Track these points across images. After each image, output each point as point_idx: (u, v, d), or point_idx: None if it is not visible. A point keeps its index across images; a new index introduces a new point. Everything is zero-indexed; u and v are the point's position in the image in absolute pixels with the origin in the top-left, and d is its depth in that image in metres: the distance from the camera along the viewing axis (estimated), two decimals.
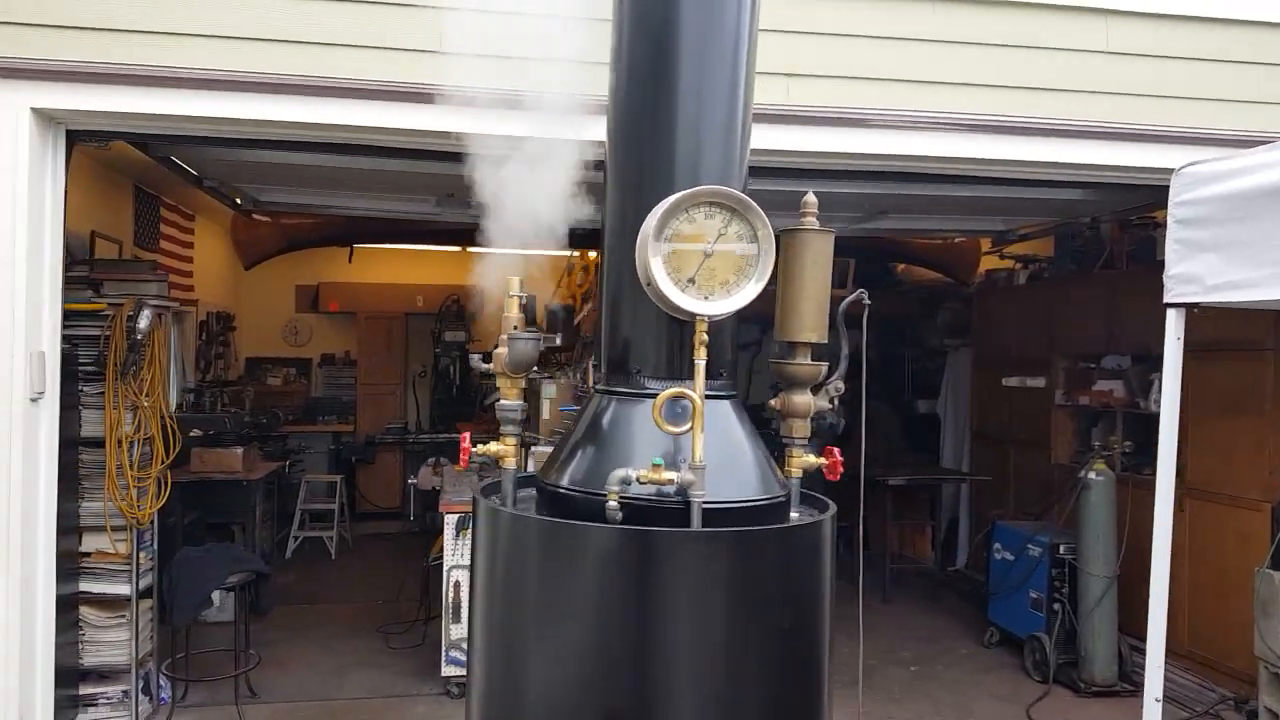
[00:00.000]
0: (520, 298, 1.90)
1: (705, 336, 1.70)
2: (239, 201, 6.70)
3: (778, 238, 1.97)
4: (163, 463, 5.02)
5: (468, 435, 1.87)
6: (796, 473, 2.00)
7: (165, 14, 3.79)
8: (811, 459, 2.01)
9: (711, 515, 1.72)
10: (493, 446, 1.89)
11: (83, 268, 4.99)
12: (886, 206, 6.43)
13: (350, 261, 8.54)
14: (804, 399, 1.99)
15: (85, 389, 4.75)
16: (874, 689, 5.74)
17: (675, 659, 1.67)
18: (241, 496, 6.78)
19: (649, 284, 1.68)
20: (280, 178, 6.03)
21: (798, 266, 1.95)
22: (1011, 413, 7.88)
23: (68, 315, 4.76)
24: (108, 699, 4.79)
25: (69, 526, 4.71)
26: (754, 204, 1.67)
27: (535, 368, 1.95)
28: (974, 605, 7.14)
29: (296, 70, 3.84)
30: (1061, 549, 5.90)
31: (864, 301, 2.02)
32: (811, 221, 1.96)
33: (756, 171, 4.71)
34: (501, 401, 1.90)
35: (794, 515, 1.97)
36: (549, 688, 1.71)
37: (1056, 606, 5.83)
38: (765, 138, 4.25)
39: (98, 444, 4.75)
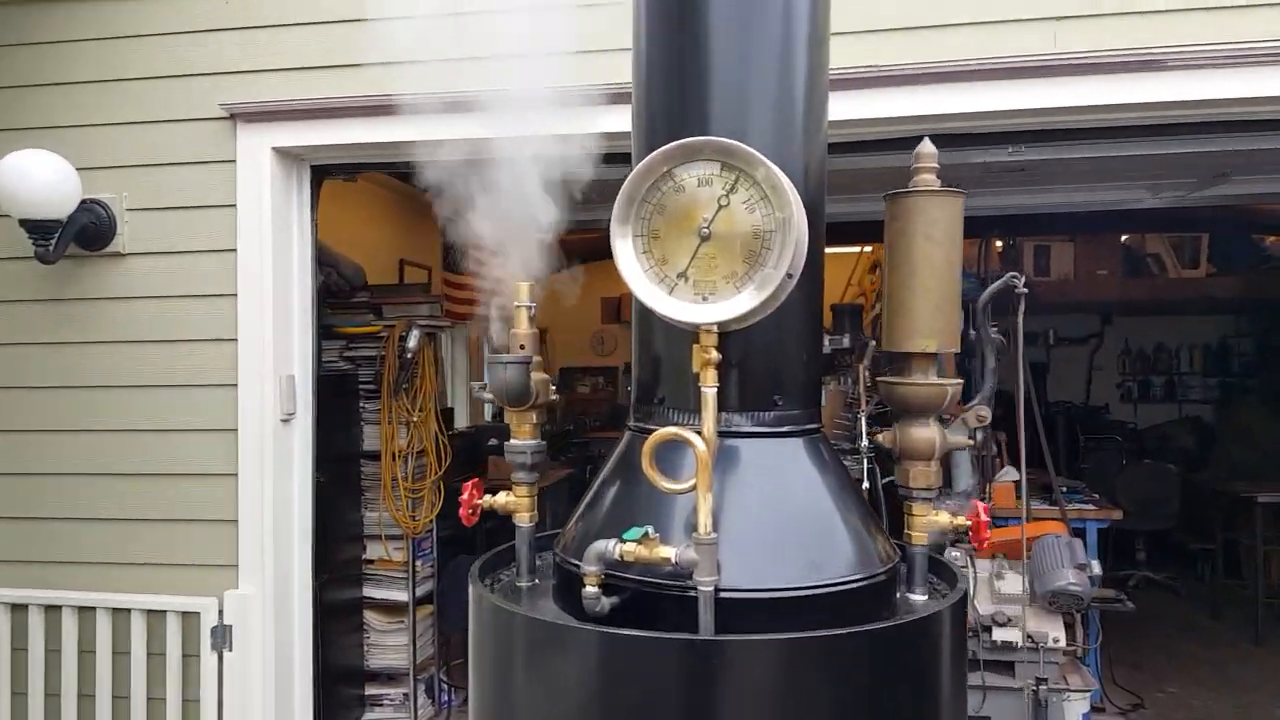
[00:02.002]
0: (529, 308, 1.51)
1: (714, 354, 1.19)
2: None
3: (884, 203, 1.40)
4: (436, 474, 5.24)
5: (472, 484, 1.50)
6: (920, 539, 1.40)
7: (384, 44, 3.86)
8: (943, 519, 1.39)
9: (750, 608, 1.21)
10: (500, 499, 1.50)
11: (364, 294, 5.37)
12: (1228, 167, 5.06)
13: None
14: (925, 433, 1.38)
15: (365, 406, 5.11)
16: None
17: None
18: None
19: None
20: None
21: (905, 246, 1.35)
22: None
23: (350, 338, 5.17)
24: (390, 700, 5.07)
25: (353, 535, 5.07)
26: (766, 160, 1.13)
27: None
28: None
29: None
30: None
31: (1018, 289, 1.36)
32: (928, 180, 1.35)
33: (1018, 137, 3.85)
34: (510, 441, 1.50)
35: (916, 598, 1.37)
36: None
37: None
38: (1025, 96, 3.41)
39: (378, 457, 5.07)
